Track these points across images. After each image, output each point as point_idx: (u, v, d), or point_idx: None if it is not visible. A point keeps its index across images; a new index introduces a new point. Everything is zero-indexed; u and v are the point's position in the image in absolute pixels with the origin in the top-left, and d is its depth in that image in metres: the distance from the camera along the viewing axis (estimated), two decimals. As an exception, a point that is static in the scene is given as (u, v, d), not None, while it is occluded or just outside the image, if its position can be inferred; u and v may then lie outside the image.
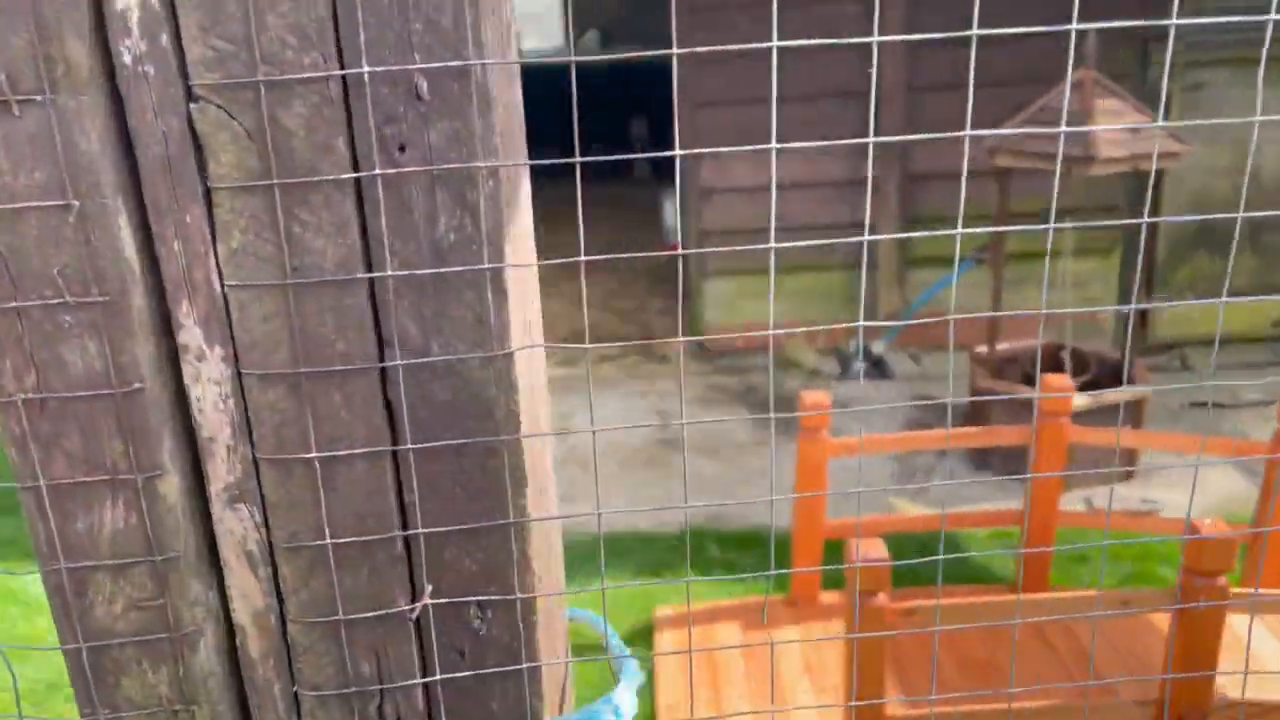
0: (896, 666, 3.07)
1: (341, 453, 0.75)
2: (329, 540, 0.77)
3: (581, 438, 5.12)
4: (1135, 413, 4.62)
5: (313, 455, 0.75)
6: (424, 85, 0.68)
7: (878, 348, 5.84)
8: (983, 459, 4.81)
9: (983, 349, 4.88)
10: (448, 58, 0.68)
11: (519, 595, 0.80)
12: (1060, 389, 3.42)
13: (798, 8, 5.51)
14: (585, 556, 3.51)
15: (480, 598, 0.80)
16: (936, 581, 3.73)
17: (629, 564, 4.16)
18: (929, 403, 5.37)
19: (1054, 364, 4.79)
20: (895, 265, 5.88)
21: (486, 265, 0.72)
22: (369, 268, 0.72)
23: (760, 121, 5.70)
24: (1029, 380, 4.77)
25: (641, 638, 3.61)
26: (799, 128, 5.68)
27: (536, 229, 0.95)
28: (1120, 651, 3.07)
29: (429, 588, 0.79)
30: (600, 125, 10.06)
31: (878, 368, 5.86)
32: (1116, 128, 4.17)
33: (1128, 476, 4.58)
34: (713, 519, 4.47)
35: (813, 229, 5.88)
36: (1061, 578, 3.89)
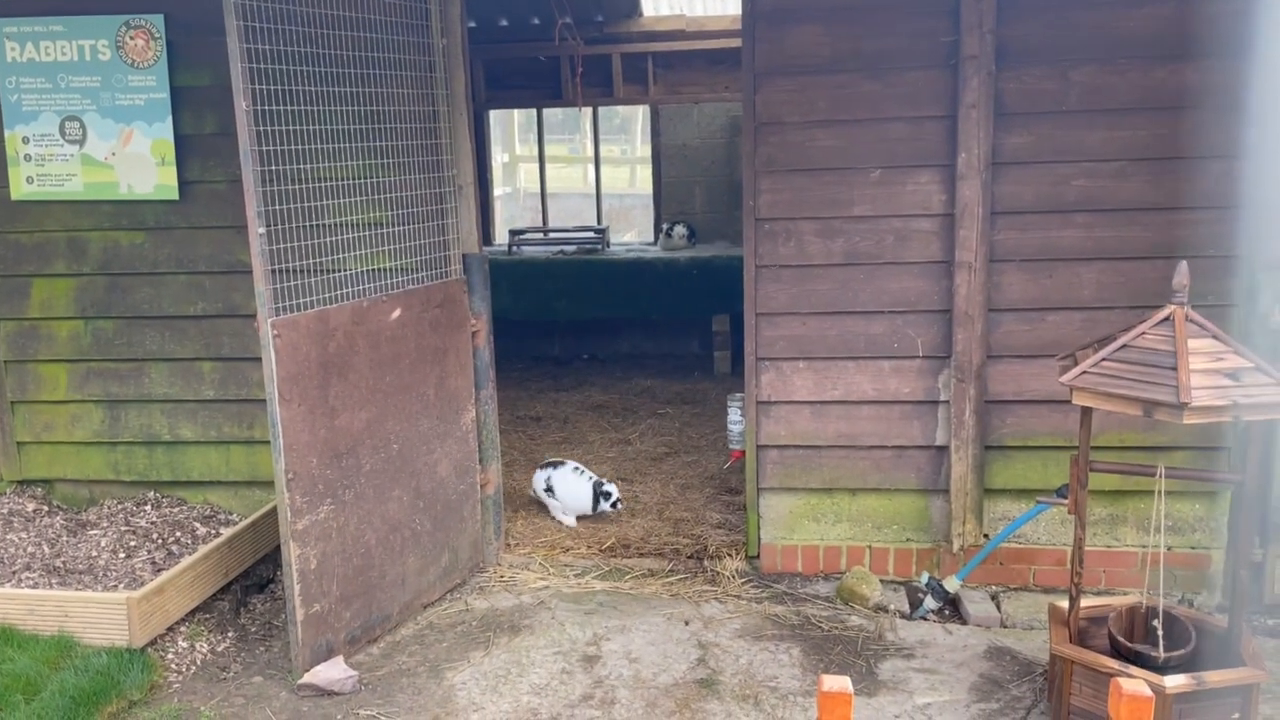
0: None
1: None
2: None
3: (609, 670, 4.64)
4: (1248, 696, 3.91)
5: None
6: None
7: (951, 584, 5.24)
8: (1061, 737, 4.13)
9: (1063, 604, 4.27)
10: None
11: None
12: (1134, 696, 2.81)
13: (869, 220, 5.20)
14: None
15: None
16: None
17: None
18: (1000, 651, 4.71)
19: (1147, 629, 4.14)
20: (972, 494, 5.33)
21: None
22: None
23: (823, 334, 5.33)
24: (1118, 651, 4.11)
25: None
26: (867, 339, 5.28)
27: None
28: None
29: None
30: (687, 313, 9.85)
31: (953, 607, 5.25)
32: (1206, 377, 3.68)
33: (1236, 777, 3.84)
34: (738, 788, 3.91)
35: (882, 449, 5.40)
36: None
